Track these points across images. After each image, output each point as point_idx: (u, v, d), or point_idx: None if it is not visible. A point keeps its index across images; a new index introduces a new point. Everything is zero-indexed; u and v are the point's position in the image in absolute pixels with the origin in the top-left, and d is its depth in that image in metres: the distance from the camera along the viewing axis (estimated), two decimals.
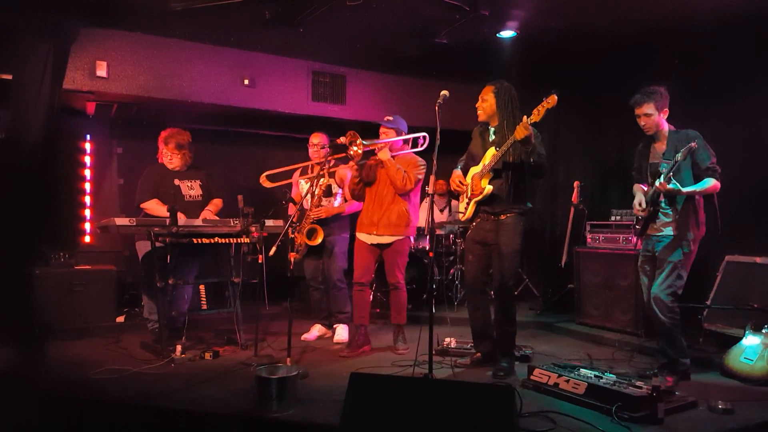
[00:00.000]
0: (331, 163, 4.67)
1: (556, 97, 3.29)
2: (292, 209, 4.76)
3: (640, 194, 3.70)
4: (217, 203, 4.67)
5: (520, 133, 3.38)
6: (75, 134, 5.92)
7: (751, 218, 4.76)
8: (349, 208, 4.78)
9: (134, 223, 4.02)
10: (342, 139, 4.10)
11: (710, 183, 3.48)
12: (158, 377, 3.57)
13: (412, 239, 4.43)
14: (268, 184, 4.84)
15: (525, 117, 3.42)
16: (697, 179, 3.51)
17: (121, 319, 5.21)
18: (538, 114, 3.36)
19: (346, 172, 4.65)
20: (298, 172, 5.01)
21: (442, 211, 6.78)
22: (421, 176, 4.29)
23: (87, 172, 5.97)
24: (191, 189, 4.59)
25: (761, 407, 3.09)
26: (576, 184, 5.73)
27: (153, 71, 5.32)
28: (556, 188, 6.62)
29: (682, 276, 3.55)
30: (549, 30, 4.97)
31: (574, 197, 5.68)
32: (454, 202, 6.62)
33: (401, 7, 4.56)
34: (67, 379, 3.58)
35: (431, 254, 3.42)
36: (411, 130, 4.42)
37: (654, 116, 3.61)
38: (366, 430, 2.26)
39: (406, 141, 4.41)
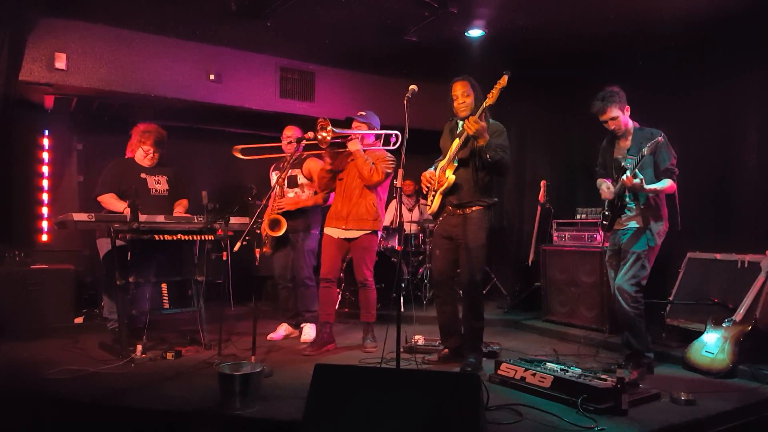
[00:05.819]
0: (303, 156, 4.61)
1: (506, 77, 3.45)
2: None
3: (606, 183, 3.77)
4: (184, 204, 4.57)
5: (470, 127, 3.47)
6: (32, 129, 5.73)
7: (712, 216, 4.88)
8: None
9: (93, 219, 3.86)
10: (310, 134, 4.05)
11: (667, 183, 3.57)
12: (117, 377, 3.45)
13: (379, 235, 4.39)
14: (240, 156, 4.57)
15: (472, 117, 3.50)
16: (656, 179, 3.58)
17: (79, 319, 5.03)
18: (492, 97, 3.52)
19: (317, 164, 4.58)
20: (272, 168, 4.92)
21: (411, 210, 6.77)
22: (389, 170, 4.25)
23: (45, 169, 5.78)
24: (158, 183, 4.47)
25: (721, 398, 3.16)
26: (543, 183, 5.80)
27: (115, 64, 5.18)
28: (523, 187, 6.70)
29: (645, 267, 3.61)
30: (516, 29, 5.02)
31: (541, 196, 5.74)
32: (422, 202, 6.62)
33: (371, 1, 4.53)
34: (20, 378, 3.44)
35: (399, 248, 3.40)
36: (381, 129, 4.38)
37: (620, 117, 3.66)
38: (330, 420, 2.21)
39: (378, 137, 4.38)
